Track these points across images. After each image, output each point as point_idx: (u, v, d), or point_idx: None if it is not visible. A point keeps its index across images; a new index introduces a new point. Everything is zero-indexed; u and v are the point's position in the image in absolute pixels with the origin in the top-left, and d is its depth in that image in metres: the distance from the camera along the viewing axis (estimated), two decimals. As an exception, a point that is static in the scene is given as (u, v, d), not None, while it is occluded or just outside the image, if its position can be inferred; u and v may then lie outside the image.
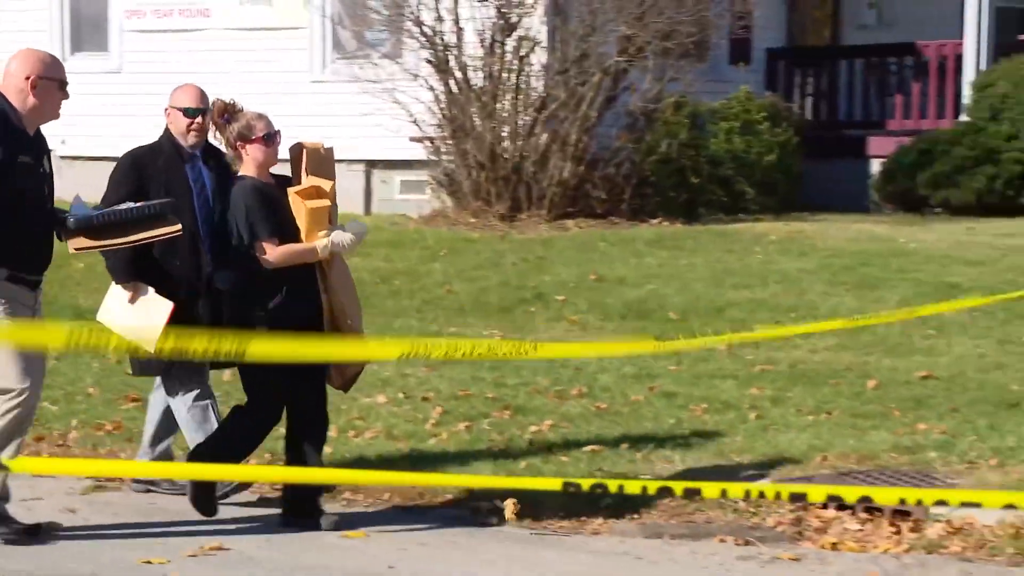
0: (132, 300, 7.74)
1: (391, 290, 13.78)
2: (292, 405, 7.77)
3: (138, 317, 7.66)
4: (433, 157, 17.61)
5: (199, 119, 7.92)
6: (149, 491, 8.34)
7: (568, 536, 7.63)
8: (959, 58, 19.72)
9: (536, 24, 17.43)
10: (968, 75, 19.45)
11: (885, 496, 5.41)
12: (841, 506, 7.66)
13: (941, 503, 5.73)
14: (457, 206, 17.31)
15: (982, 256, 14.65)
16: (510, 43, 17.15)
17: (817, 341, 11.42)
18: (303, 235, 7.62)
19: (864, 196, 19.04)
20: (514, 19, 17.15)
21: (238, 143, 7.73)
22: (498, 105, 17.03)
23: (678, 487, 5.41)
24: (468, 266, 14.68)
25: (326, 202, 7.70)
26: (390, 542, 7.50)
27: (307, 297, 7.65)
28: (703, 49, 18.34)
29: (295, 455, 7.72)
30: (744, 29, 19.32)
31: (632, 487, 5.22)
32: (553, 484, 7.62)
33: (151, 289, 7.71)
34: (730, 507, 7.86)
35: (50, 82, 7.21)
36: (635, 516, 7.64)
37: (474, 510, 7.94)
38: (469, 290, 13.67)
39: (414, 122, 17.00)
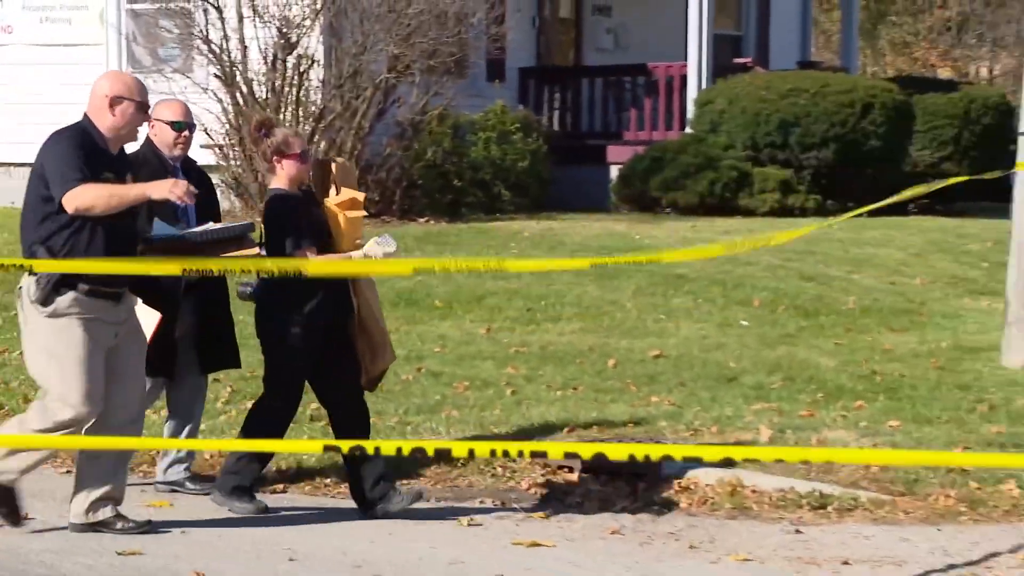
0: None
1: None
2: (334, 408, 7.34)
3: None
4: (222, 163, 17.38)
5: (186, 132, 7.53)
6: (174, 491, 7.67)
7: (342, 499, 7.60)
8: (684, 78, 20.11)
9: (314, 43, 17.35)
10: (691, 93, 19.85)
11: (616, 451, 5.51)
12: (586, 469, 7.79)
13: (667, 458, 5.88)
14: (245, 207, 17.11)
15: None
16: (291, 60, 17.05)
17: (564, 325, 11.54)
18: (339, 244, 7.23)
19: (605, 198, 19.30)
20: (294, 39, 17.06)
21: (274, 157, 7.21)
22: (280, 116, 16.88)
23: (429, 447, 5.49)
24: (254, 260, 14.49)
25: (362, 213, 7.45)
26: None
27: (341, 301, 7.21)
28: (463, 67, 18.45)
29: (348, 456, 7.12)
30: (499, 50, 19.51)
31: (387, 448, 5.23)
32: (314, 447, 7.63)
33: (139, 300, 7.04)
34: (489, 472, 7.93)
35: (129, 103, 6.69)
36: (405, 482, 7.62)
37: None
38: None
39: (205, 131, 16.78)
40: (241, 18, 16.90)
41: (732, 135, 18.80)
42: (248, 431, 7.25)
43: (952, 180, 9.29)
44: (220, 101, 16.98)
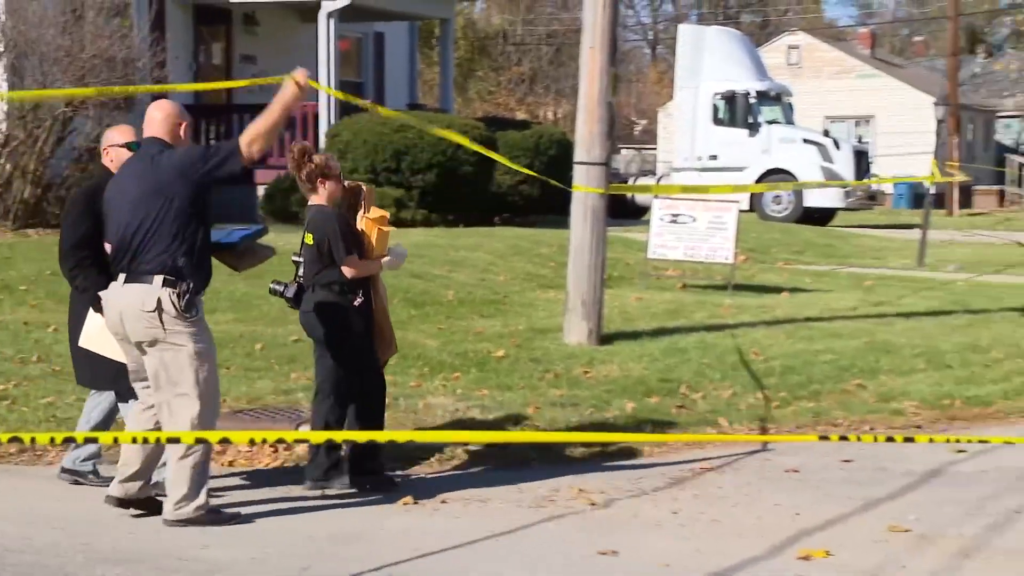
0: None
1: None
2: (363, 391, 6.89)
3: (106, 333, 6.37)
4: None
5: None
6: (77, 483, 6.81)
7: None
8: (316, 115, 20.11)
9: None
10: (323, 127, 19.91)
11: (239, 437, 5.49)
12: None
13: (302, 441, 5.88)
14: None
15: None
16: (-22, 94, 16.27)
17: (220, 316, 11.31)
18: (370, 252, 6.98)
19: (254, 211, 19.08)
20: (-15, 76, 16.33)
21: (318, 179, 6.92)
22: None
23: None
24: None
25: (391, 228, 7.23)
26: None
27: (369, 298, 6.94)
28: (131, 103, 17.89)
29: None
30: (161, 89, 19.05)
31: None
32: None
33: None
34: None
35: (191, 128, 6.37)
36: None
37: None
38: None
39: None
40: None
41: (356, 161, 18.89)
42: (363, 417, 6.86)
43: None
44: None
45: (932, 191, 21.70)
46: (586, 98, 11.02)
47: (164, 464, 6.25)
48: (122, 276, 5.98)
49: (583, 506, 6.55)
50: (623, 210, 24.03)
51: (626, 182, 26.31)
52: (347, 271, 6.82)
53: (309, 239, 6.90)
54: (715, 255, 14.76)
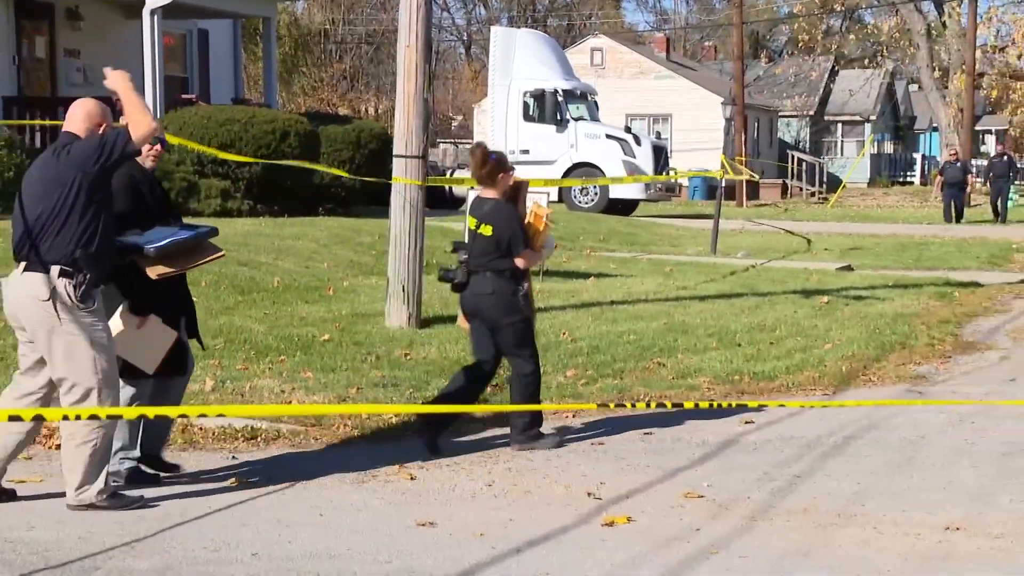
0: (140, 326, 6.11)
1: None
2: (524, 369, 7.22)
3: (143, 343, 6.13)
4: None
5: (158, 146, 6.36)
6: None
7: None
8: (143, 108, 19.47)
9: None
10: (149, 120, 19.24)
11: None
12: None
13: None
14: None
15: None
16: None
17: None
18: (535, 244, 7.23)
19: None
20: None
21: (499, 174, 7.13)
22: None
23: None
24: None
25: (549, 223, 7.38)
26: None
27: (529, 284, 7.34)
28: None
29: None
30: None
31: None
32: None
33: (159, 319, 6.15)
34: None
35: (111, 128, 5.96)
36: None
37: None
38: None
39: None
40: None
41: (183, 154, 18.35)
42: (526, 393, 7.17)
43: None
44: None
45: (723, 184, 22.29)
46: (403, 94, 10.97)
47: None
48: (22, 265, 5.78)
49: (403, 480, 6.53)
50: (441, 201, 24.04)
51: (444, 174, 26.32)
52: (521, 262, 7.12)
53: (488, 230, 7.11)
54: (526, 243, 14.85)
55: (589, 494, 6.21)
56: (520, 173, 7.79)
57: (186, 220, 6.87)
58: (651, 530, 5.59)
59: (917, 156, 55.45)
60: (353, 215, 19.23)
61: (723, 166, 23.45)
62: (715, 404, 6.88)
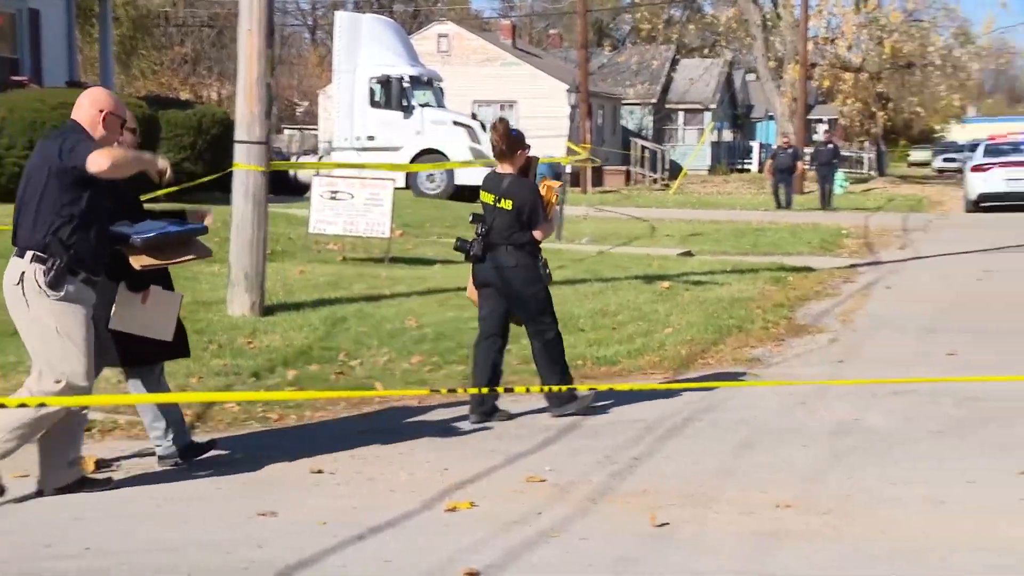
0: (144, 300, 6.17)
1: None
2: (549, 336, 7.61)
3: (153, 315, 6.18)
4: None
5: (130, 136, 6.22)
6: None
7: None
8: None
9: None
10: (-22, 103, 18.46)
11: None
12: None
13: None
14: None
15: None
16: None
17: None
18: (548, 216, 7.57)
19: None
20: None
21: (518, 150, 7.46)
22: None
23: None
24: None
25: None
26: None
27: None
28: None
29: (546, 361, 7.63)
30: None
31: None
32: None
33: (159, 287, 6.23)
34: None
35: (116, 118, 5.94)
36: None
37: None
38: None
39: None
40: None
41: (13, 138, 17.76)
42: (553, 356, 7.55)
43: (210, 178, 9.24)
44: None
45: (568, 171, 22.50)
46: (245, 79, 10.77)
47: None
48: (14, 251, 5.86)
49: (244, 470, 6.43)
50: (286, 187, 23.73)
51: (288, 160, 25.98)
52: (539, 234, 7.46)
53: (508, 204, 7.39)
54: (373, 230, 14.79)
55: (433, 481, 6.21)
56: (366, 159, 7.83)
57: (9, 205, 6.67)
58: (493, 514, 5.61)
59: (754, 144, 56.91)
60: (195, 201, 18.80)
61: (577, 151, 23.68)
62: (549, 388, 6.96)
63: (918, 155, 76.00)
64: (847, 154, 55.49)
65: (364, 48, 28.61)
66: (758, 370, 9.22)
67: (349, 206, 14.74)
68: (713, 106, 53.88)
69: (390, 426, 7.50)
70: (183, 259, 6.30)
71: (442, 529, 5.43)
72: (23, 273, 5.70)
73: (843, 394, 8.22)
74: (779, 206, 28.98)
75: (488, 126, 29.39)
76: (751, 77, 58.23)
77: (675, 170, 44.60)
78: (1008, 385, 8.27)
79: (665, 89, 53.90)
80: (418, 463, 6.59)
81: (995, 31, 50.93)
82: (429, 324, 10.53)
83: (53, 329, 5.68)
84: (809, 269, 15.58)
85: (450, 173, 28.05)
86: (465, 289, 8.15)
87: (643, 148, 45.41)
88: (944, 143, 73.38)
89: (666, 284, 13.44)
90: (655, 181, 43.73)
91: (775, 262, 16.29)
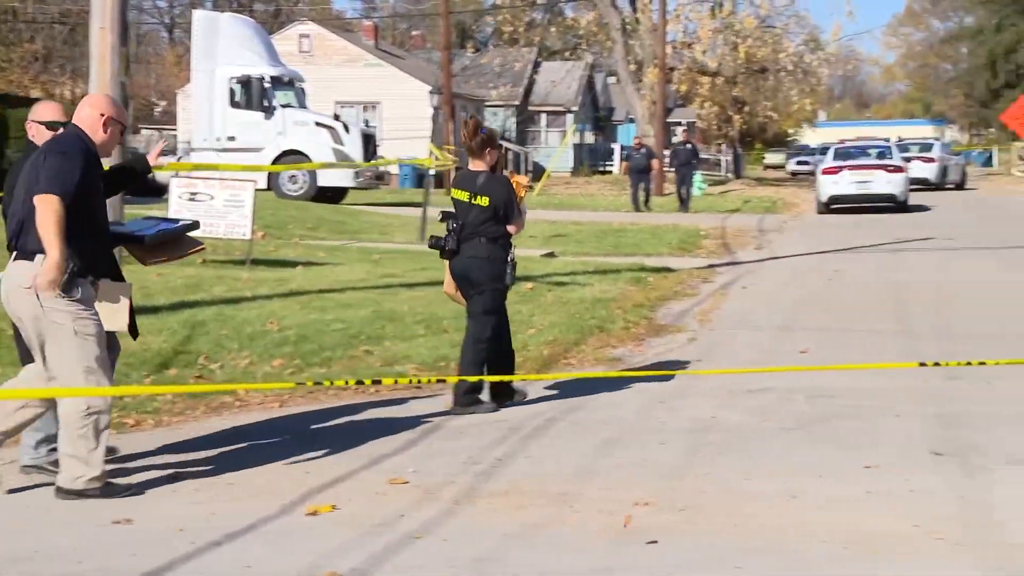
0: (96, 293, 6.01)
1: None
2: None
3: (106, 309, 6.03)
4: None
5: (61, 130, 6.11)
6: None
7: None
8: None
9: None
10: None
11: None
12: None
13: None
14: None
15: None
16: None
17: None
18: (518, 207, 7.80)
19: None
20: None
21: (487, 148, 7.71)
22: None
23: None
24: None
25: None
26: None
27: None
28: None
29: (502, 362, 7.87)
30: None
31: None
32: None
33: (108, 279, 6.06)
34: None
35: (117, 124, 6.04)
36: None
37: None
38: None
39: None
40: None
41: None
42: (477, 357, 7.74)
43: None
44: None
45: (432, 172, 22.50)
46: (98, 78, 10.53)
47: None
48: (14, 254, 5.89)
49: (100, 479, 6.26)
50: (143, 188, 23.19)
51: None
52: (513, 228, 7.72)
53: (484, 201, 7.64)
54: (233, 231, 14.55)
55: (295, 484, 6.15)
56: (227, 160, 7.78)
57: None
58: (356, 518, 5.58)
59: (616, 146, 57.69)
60: (47, 203, 18.26)
61: (436, 153, 23.67)
62: (415, 380, 6.99)
63: (773, 158, 77.97)
64: (706, 156, 56.64)
65: (223, 47, 28.16)
66: (618, 368, 9.34)
67: (209, 207, 14.48)
68: (575, 108, 54.45)
69: (250, 430, 7.40)
70: (185, 253, 6.52)
71: (304, 533, 5.38)
72: (36, 277, 5.72)
73: (701, 393, 8.39)
74: (636, 208, 29.20)
75: (350, 127, 29.27)
76: (612, 80, 59.04)
77: (538, 171, 44.96)
78: (856, 382, 8.53)
79: (528, 91, 54.27)
80: (278, 467, 6.52)
81: (843, 38, 52.68)
82: (291, 327, 10.42)
83: (71, 331, 5.76)
84: (669, 270, 15.86)
85: (313, 174, 27.79)
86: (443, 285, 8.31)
87: (506, 150, 45.65)
88: (797, 146, 75.33)
89: (529, 285, 13.53)
90: (518, 183, 43.98)
91: (636, 263, 16.54)
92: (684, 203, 29.54)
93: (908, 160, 34.17)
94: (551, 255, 17.63)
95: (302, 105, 29.39)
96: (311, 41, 44.82)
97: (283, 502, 5.83)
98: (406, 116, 42.44)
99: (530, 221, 24.54)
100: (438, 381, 7.85)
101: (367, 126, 36.95)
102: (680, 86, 48.43)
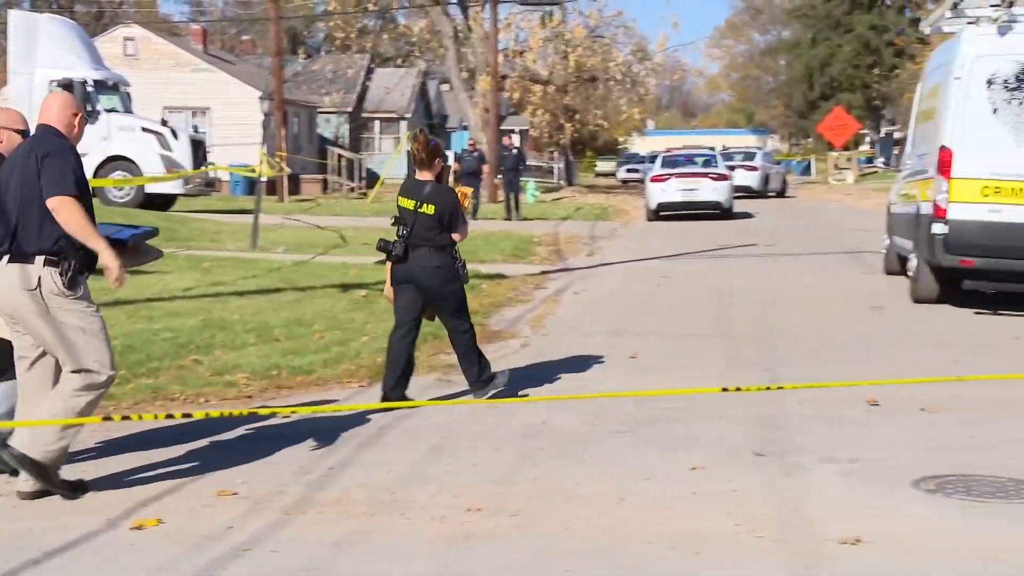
0: None
1: None
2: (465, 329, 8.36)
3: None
4: None
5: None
6: None
7: None
8: None
9: None
10: None
11: None
12: None
13: None
14: None
15: None
16: None
17: None
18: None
19: None
20: None
21: (436, 158, 8.04)
22: None
23: None
24: None
25: None
26: None
27: None
28: None
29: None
30: None
31: None
32: None
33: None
34: None
35: (81, 118, 6.11)
36: None
37: None
38: None
39: None
40: None
41: None
42: (469, 347, 8.28)
43: None
44: None
45: (263, 179, 22.18)
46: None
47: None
48: (6, 257, 5.86)
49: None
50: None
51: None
52: (458, 236, 8.08)
53: (430, 209, 7.98)
54: (53, 239, 14.07)
55: (120, 499, 5.98)
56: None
57: None
58: (182, 531, 5.46)
59: (450, 153, 57.78)
60: None
61: (264, 160, 23.32)
62: (225, 413, 6.80)
63: (604, 166, 79.31)
64: (539, 164, 57.29)
65: (42, 49, 27.23)
66: (452, 376, 9.37)
67: (28, 215, 13.97)
68: (409, 115, 54.39)
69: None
70: (145, 260, 6.65)
71: (128, 548, 5.24)
72: (39, 278, 5.80)
73: (533, 399, 8.47)
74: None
75: (179, 133, 28.62)
76: (445, 87, 59.21)
77: (372, 178, 44.74)
78: (681, 385, 8.75)
79: (361, 98, 53.98)
80: (101, 480, 6.33)
81: (668, 49, 53.76)
82: (116, 336, 10.08)
83: (78, 328, 5.85)
84: (502, 276, 15.97)
85: (139, 180, 27.06)
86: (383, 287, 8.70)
87: (340, 156, 45.30)
88: (627, 154, 76.77)
89: (363, 292, 13.45)
90: (352, 190, 43.70)
91: (470, 269, 16.57)
92: (511, 212, 28.76)
93: (732, 168, 35.14)
94: (384, 262, 17.55)
95: (128, 110, 28.62)
96: (136, 44, 43.72)
97: (107, 517, 5.67)
98: (236, 122, 41.75)
99: (364, 227, 24.45)
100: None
101: (196, 132, 36.19)
102: (513, 94, 48.86)
